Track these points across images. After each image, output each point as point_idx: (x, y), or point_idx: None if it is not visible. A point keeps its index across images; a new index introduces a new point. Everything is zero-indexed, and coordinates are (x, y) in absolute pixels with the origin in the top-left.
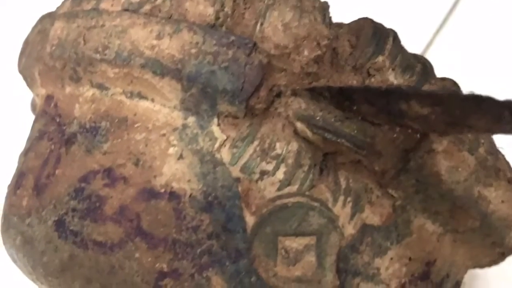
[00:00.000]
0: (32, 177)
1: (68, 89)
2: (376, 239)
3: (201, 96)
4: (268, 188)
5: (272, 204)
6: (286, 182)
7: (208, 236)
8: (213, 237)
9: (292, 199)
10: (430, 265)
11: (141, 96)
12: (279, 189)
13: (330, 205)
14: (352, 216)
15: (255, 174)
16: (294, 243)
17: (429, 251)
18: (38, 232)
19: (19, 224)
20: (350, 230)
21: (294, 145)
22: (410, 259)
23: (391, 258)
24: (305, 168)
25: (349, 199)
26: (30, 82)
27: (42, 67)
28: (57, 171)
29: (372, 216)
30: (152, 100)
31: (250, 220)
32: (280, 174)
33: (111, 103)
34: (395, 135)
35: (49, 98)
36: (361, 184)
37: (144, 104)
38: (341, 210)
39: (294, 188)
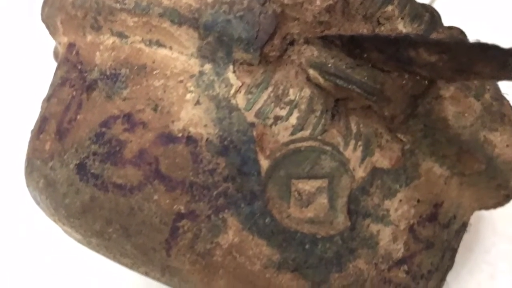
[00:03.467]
0: (54, 122)
1: (89, 38)
2: (386, 181)
3: (217, 44)
4: (282, 133)
5: (285, 148)
6: (299, 127)
7: (224, 179)
8: (228, 180)
9: (305, 143)
10: (438, 207)
11: (159, 44)
12: (292, 134)
13: (341, 149)
14: (363, 159)
15: (269, 119)
16: (307, 186)
17: (437, 193)
18: (60, 175)
19: (42, 167)
20: (360, 173)
21: (306, 91)
22: (418, 201)
23: (400, 200)
24: (317, 114)
25: (359, 143)
26: (52, 30)
27: (64, 16)
28: (78, 117)
29: (381, 160)
30: (170, 48)
31: (264, 163)
32: (293, 119)
33: (131, 51)
34: (404, 82)
35: (71, 46)
36: (371, 129)
37: (163, 51)
38: (352, 153)
39: (306, 132)
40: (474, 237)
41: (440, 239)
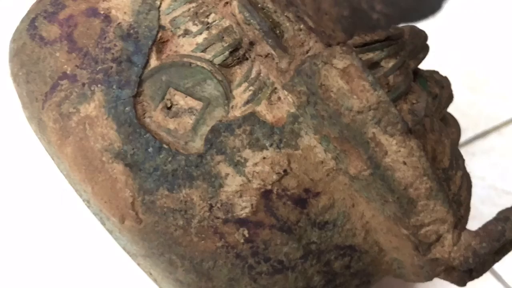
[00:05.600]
0: None
1: None
2: (256, 131)
3: None
4: (185, 47)
5: (178, 59)
6: (202, 47)
7: (112, 59)
8: (115, 61)
9: (198, 63)
10: (311, 195)
11: None
12: (193, 51)
13: (233, 86)
14: (246, 103)
15: (180, 30)
16: (182, 101)
17: (314, 179)
18: (19, 26)
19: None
20: (236, 113)
21: (226, 22)
22: (285, 171)
23: (264, 158)
24: (225, 44)
25: (251, 88)
26: None
27: None
28: None
29: (264, 112)
30: None
31: (154, 63)
32: (200, 39)
33: None
34: (305, 40)
35: None
36: (268, 81)
37: None
38: (240, 94)
39: (206, 55)
40: None
41: (305, 233)
